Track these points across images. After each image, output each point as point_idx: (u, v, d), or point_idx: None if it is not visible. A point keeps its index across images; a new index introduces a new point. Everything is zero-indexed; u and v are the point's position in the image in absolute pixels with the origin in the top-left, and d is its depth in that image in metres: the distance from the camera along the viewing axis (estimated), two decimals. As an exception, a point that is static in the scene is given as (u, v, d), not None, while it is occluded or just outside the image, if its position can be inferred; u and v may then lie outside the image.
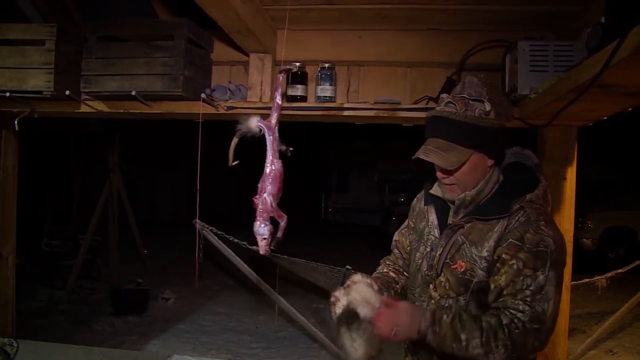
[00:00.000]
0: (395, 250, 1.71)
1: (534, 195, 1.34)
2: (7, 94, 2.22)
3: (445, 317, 1.26)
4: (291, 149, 1.63)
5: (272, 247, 1.56)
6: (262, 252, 1.53)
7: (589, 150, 5.47)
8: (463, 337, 1.22)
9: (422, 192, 1.59)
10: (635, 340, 4.92)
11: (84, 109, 2.43)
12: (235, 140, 1.57)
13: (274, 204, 1.54)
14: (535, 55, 1.95)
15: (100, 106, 2.44)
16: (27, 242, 6.05)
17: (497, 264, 1.28)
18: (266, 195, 1.52)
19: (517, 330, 1.20)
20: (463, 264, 1.34)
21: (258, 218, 1.52)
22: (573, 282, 2.69)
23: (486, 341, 1.20)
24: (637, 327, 5.30)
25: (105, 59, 2.26)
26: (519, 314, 1.21)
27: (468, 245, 1.35)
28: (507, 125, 2.08)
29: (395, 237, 1.71)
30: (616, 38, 1.16)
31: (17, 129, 2.44)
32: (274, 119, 1.57)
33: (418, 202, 1.62)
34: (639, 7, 1.10)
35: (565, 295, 2.24)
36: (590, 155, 6.95)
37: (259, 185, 1.55)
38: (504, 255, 1.27)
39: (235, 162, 1.58)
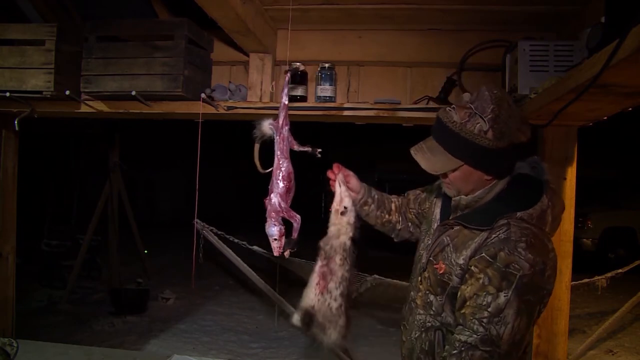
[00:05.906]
0: (402, 197, 1.78)
1: (526, 214, 1.26)
2: (7, 94, 2.22)
3: None
4: (319, 150, 1.60)
5: (292, 249, 1.51)
6: (275, 253, 1.49)
7: (589, 150, 5.46)
8: None
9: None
10: (635, 340, 4.92)
11: (84, 109, 2.43)
12: (257, 147, 1.57)
13: (282, 205, 1.51)
14: (535, 55, 1.94)
15: (100, 106, 2.43)
16: (27, 242, 6.05)
17: (467, 274, 1.26)
18: (273, 196, 1.50)
19: None
20: (443, 265, 1.33)
21: (267, 219, 1.50)
22: (573, 282, 2.68)
23: None
24: (637, 327, 5.31)
25: (105, 59, 2.26)
26: (471, 338, 1.19)
27: (451, 249, 1.33)
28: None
29: (410, 192, 1.77)
30: (616, 38, 1.16)
31: (17, 129, 2.43)
32: (280, 120, 1.56)
33: (435, 190, 1.62)
34: (639, 7, 1.10)
35: (566, 295, 2.23)
36: (590, 155, 6.94)
37: (269, 186, 1.53)
38: (473, 268, 1.24)
39: (269, 170, 1.56)
